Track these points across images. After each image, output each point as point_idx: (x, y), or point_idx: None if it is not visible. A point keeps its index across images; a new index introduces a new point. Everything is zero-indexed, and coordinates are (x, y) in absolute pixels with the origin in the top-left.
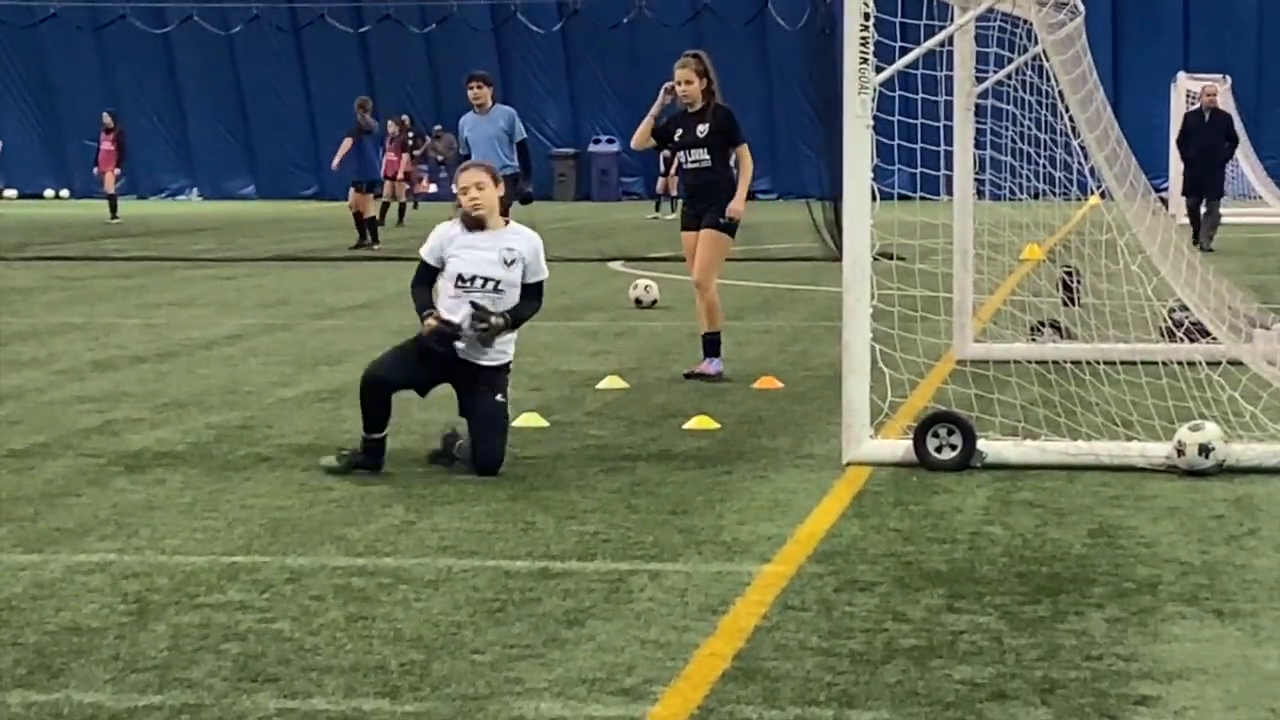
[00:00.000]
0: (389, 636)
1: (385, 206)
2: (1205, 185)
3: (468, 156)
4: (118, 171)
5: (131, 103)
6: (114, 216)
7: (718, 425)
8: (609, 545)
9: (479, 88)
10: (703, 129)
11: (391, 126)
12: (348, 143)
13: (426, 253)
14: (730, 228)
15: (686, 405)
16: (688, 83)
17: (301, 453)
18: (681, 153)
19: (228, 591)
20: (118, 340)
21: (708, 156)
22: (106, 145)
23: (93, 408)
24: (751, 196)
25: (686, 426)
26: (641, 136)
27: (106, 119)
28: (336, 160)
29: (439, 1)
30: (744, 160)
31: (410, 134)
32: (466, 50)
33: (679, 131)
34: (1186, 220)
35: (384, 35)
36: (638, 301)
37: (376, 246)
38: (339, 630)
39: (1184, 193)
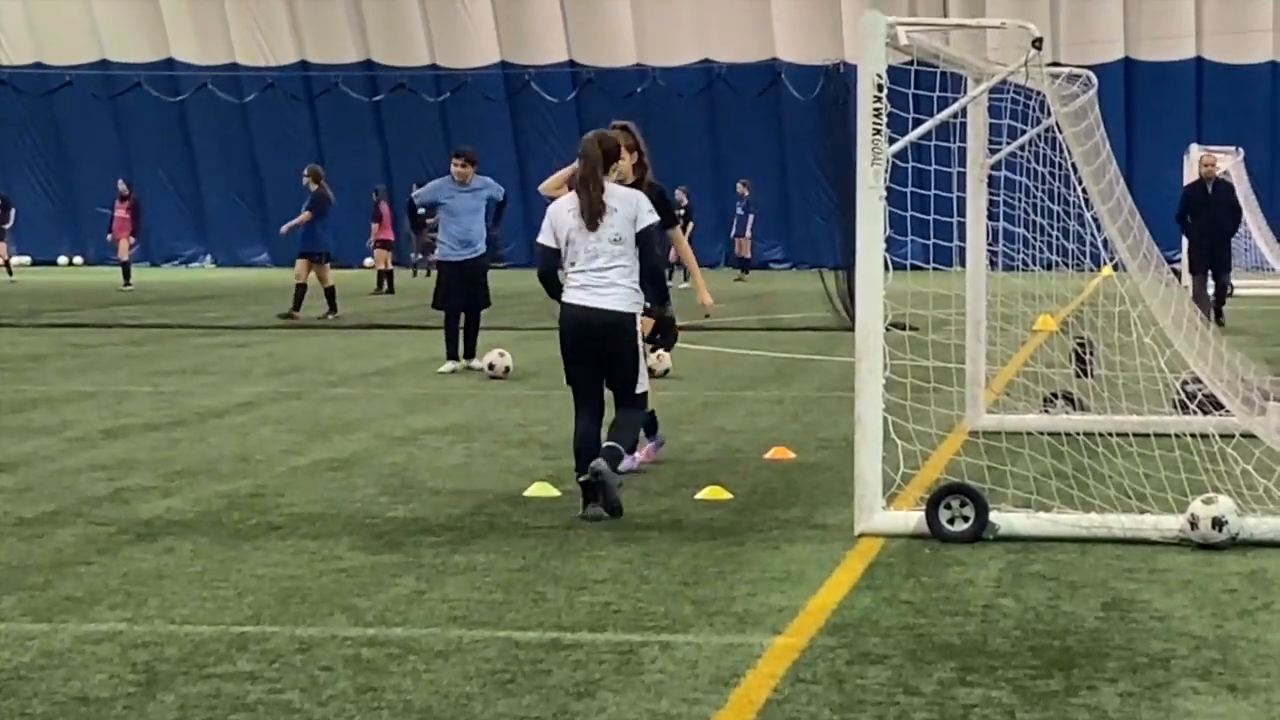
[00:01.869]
0: (398, 708)
1: (379, 274)
2: (1215, 261)
3: (424, 218)
4: (133, 239)
5: (145, 170)
6: (127, 283)
7: (730, 496)
8: (620, 616)
9: (463, 166)
10: None
11: (376, 197)
12: (307, 215)
13: None
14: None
15: (699, 475)
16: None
17: (312, 521)
18: None
19: (237, 662)
20: (129, 408)
21: None
22: (121, 213)
23: (103, 475)
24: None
25: (698, 497)
26: (553, 185)
27: (122, 186)
28: (286, 228)
29: (453, 70)
30: (679, 245)
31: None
32: (480, 118)
33: None
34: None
35: (398, 103)
36: (650, 371)
37: (333, 315)
38: (348, 702)
39: (1191, 270)
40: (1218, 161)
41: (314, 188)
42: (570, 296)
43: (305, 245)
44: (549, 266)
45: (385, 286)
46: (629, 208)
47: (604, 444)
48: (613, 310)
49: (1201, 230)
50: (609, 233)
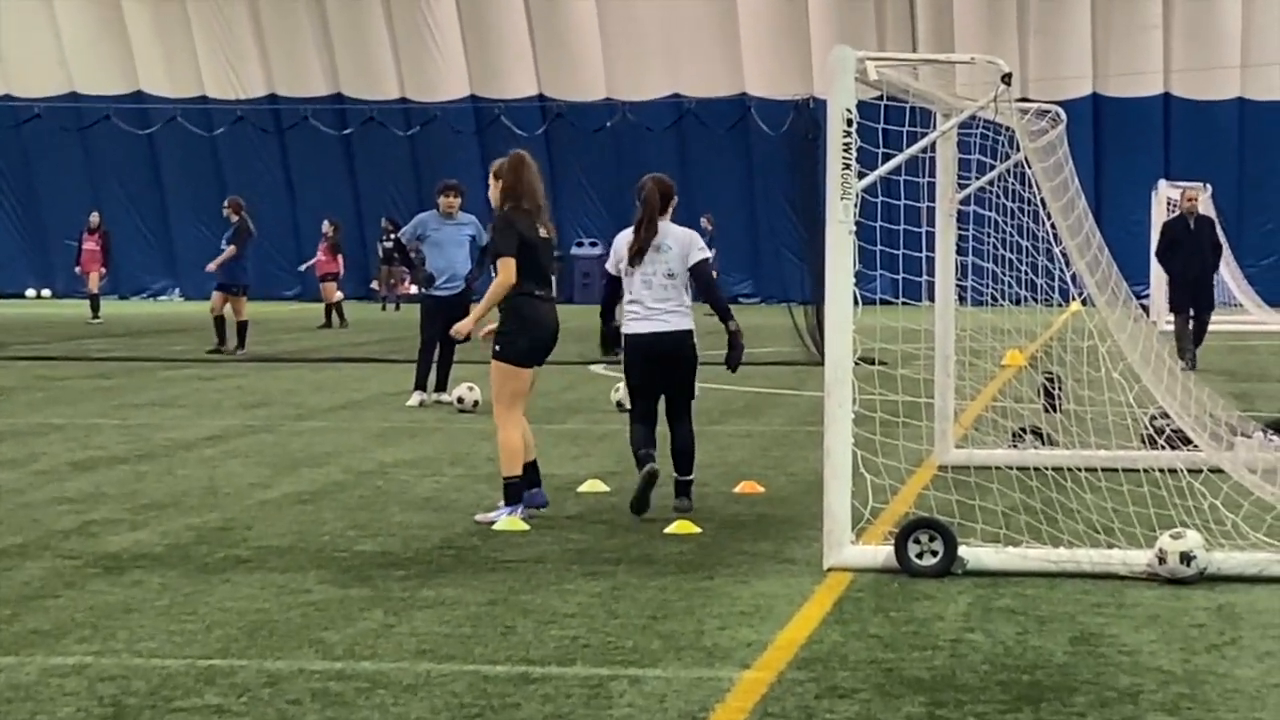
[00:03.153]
0: None
1: (328, 308)
2: (1198, 299)
3: (404, 248)
4: (103, 271)
5: (114, 202)
6: (95, 316)
7: (699, 530)
8: (589, 650)
9: (454, 197)
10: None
11: (326, 227)
12: (231, 249)
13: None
14: (502, 354)
15: (668, 509)
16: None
17: (281, 555)
18: None
19: (205, 695)
20: (97, 441)
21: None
22: (90, 245)
23: (71, 509)
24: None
25: (668, 531)
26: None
27: (93, 219)
28: (214, 265)
29: (423, 103)
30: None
31: (393, 237)
32: (450, 152)
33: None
34: (1174, 341)
35: (368, 137)
36: (619, 405)
37: (241, 351)
38: None
39: (1173, 309)
40: (1199, 197)
41: (235, 219)
42: (632, 328)
43: (224, 278)
44: (609, 293)
45: (336, 320)
46: (682, 246)
47: (681, 479)
48: (675, 330)
49: (1183, 267)
50: (663, 268)
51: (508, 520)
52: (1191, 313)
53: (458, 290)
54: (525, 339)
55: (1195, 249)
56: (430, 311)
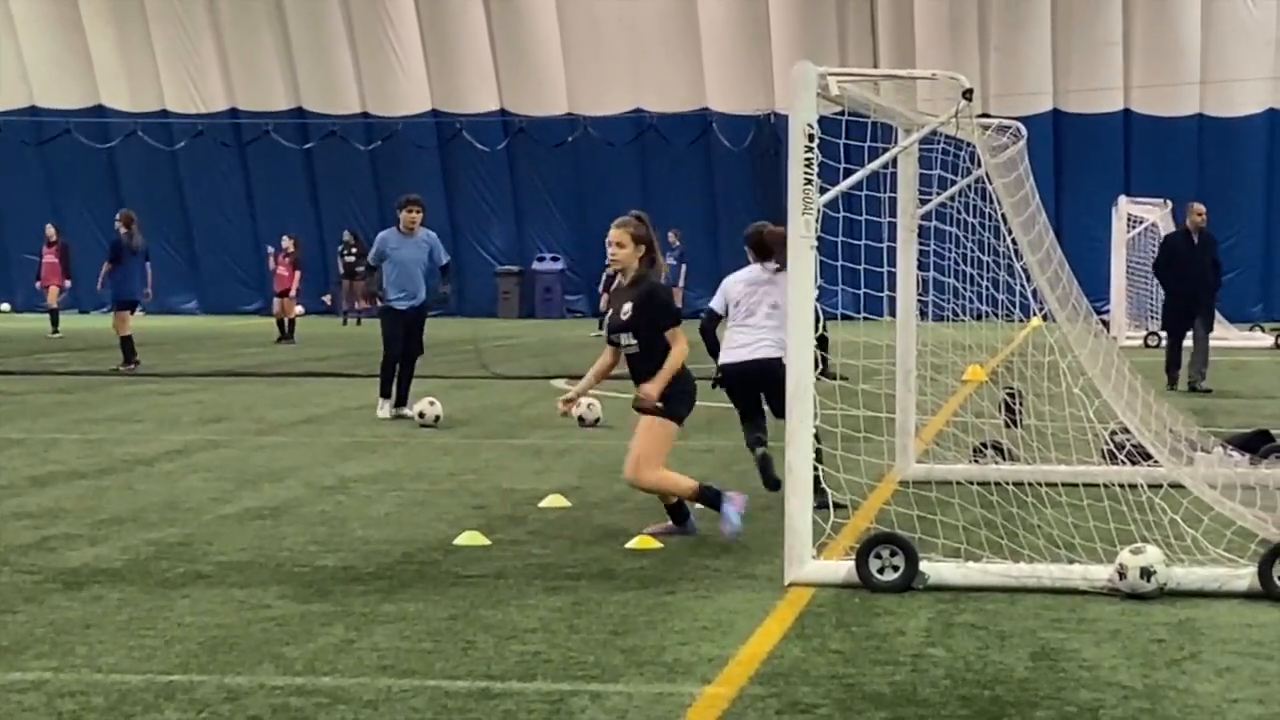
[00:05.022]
0: None
1: (280, 323)
2: (1195, 317)
3: (374, 269)
4: (68, 283)
5: (75, 217)
6: (55, 331)
7: (660, 545)
8: (550, 665)
9: (416, 211)
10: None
11: (286, 242)
12: (107, 267)
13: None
14: (673, 413)
15: (629, 524)
16: (619, 245)
17: (241, 570)
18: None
19: (164, 711)
20: (57, 455)
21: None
22: (50, 258)
23: (30, 524)
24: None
25: (629, 546)
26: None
27: (50, 232)
28: (100, 285)
29: (384, 118)
30: (676, 346)
31: (354, 252)
32: (411, 167)
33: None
34: (1164, 358)
35: (329, 151)
36: (580, 420)
37: (133, 366)
38: None
39: (1164, 327)
40: (1205, 211)
41: (123, 231)
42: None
43: (116, 294)
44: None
45: (287, 334)
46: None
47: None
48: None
49: (1184, 284)
50: (769, 300)
51: (734, 511)
52: (1189, 333)
53: (415, 305)
54: (690, 402)
55: (1196, 266)
56: (391, 323)
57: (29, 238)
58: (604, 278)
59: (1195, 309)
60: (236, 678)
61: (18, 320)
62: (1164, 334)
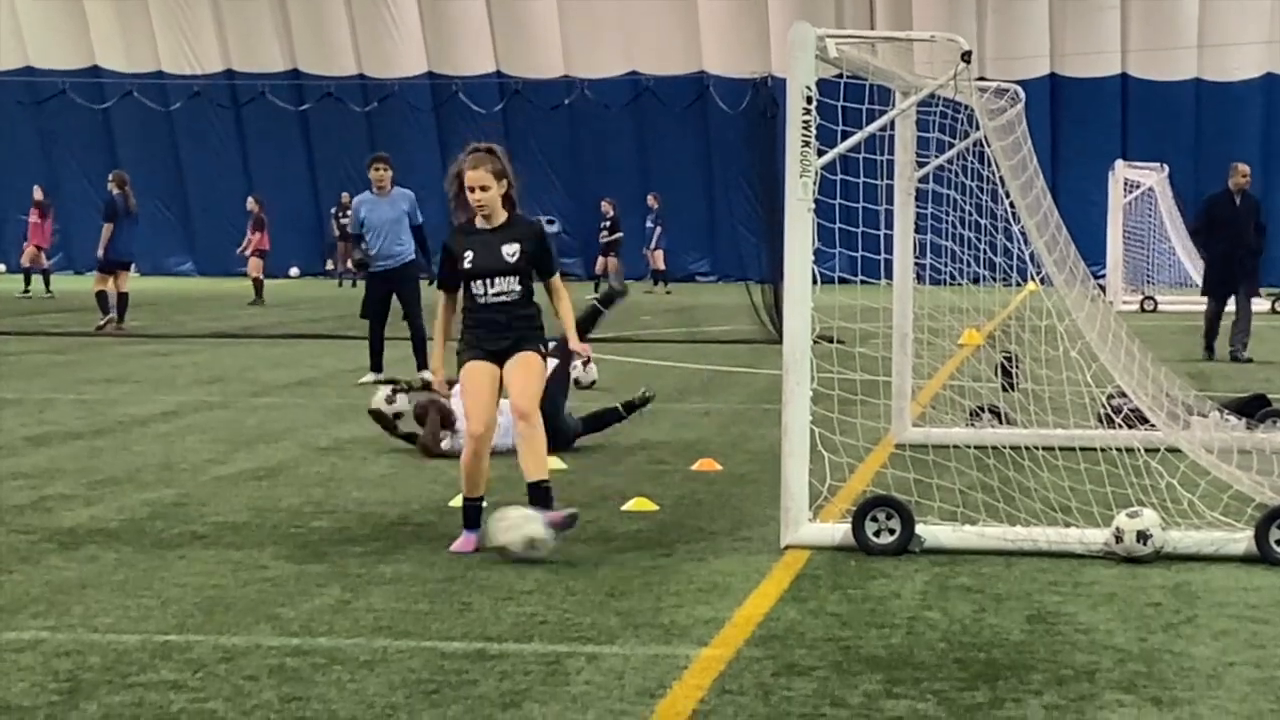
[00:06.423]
0: (323, 718)
1: (256, 283)
2: (1238, 282)
3: (360, 236)
4: (45, 245)
5: (70, 178)
6: (26, 291)
7: (656, 507)
8: (546, 627)
9: (384, 169)
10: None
11: (251, 204)
12: (108, 228)
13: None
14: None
15: (625, 487)
16: (484, 188)
17: (237, 531)
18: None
19: (160, 671)
20: (52, 416)
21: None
22: (34, 219)
23: (26, 484)
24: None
25: (625, 508)
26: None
27: (37, 193)
28: (101, 250)
29: (380, 80)
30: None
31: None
32: (407, 129)
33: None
34: (1203, 324)
35: (325, 113)
36: (576, 382)
37: (112, 322)
38: (272, 711)
39: (1206, 292)
40: (1249, 172)
41: (116, 192)
42: None
43: (109, 254)
44: None
45: (258, 296)
46: None
47: None
48: None
49: (1226, 248)
50: None
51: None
52: (1232, 298)
53: (395, 265)
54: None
55: (1239, 229)
56: (373, 287)
57: (25, 199)
58: (601, 243)
59: (1238, 274)
60: (232, 638)
61: (12, 280)
62: (1204, 300)
